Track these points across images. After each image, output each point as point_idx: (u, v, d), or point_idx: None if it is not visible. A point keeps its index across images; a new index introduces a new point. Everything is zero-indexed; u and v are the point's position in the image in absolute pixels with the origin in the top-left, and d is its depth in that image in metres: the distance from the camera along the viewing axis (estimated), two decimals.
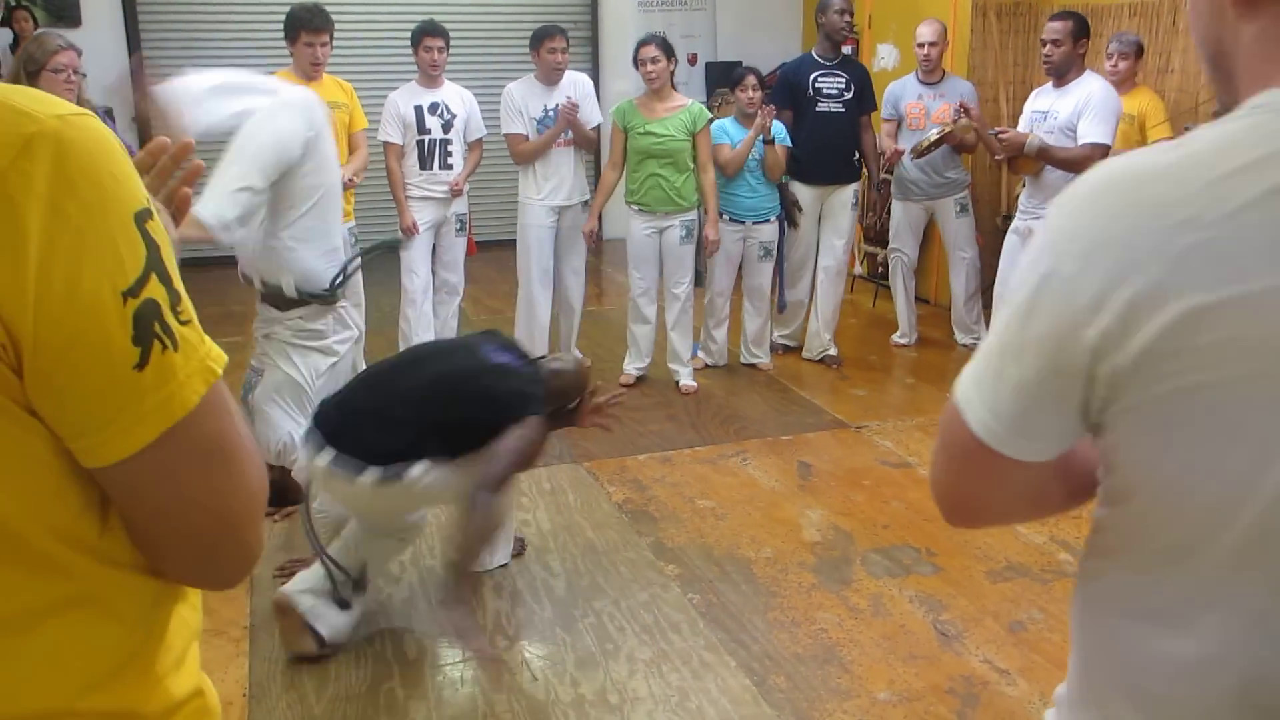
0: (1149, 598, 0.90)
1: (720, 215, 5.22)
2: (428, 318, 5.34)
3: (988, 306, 6.01)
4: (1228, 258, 0.77)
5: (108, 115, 4.52)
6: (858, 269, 7.25)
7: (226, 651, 2.96)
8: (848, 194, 5.57)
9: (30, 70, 3.97)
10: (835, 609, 3.16)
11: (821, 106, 5.38)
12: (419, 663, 2.92)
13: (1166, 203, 0.80)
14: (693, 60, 9.41)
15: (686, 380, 5.24)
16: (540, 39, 5.07)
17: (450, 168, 5.19)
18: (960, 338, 5.98)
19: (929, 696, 2.73)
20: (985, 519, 1.11)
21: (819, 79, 5.44)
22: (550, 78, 5.12)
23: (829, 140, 5.41)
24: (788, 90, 5.37)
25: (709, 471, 4.22)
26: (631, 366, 5.37)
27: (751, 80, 5.12)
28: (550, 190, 5.20)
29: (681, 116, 4.98)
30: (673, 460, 4.34)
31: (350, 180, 4.64)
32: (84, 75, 4.10)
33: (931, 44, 5.43)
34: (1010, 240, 4.84)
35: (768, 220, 5.34)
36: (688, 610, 3.15)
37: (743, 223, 5.27)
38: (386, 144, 5.11)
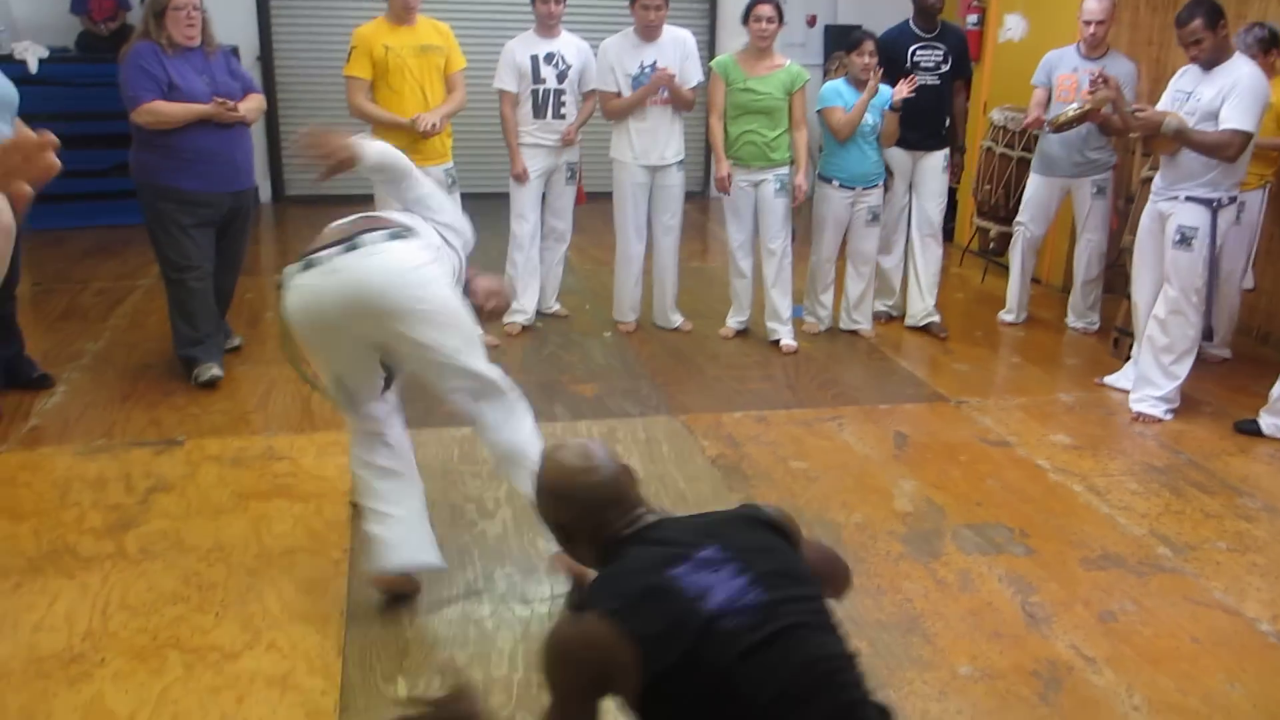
0: None
1: (830, 180, 5.21)
2: (534, 263, 5.41)
3: (1107, 291, 5.85)
4: None
5: (233, 53, 4.65)
6: (964, 237, 7.11)
7: (327, 572, 3.09)
8: (939, 158, 5.55)
9: (156, 11, 4.17)
10: (922, 580, 3.15)
11: (919, 78, 5.28)
12: (508, 597, 3.00)
13: None
14: (811, 22, 9.28)
15: (787, 340, 5.24)
16: None
17: (563, 117, 5.22)
18: (1073, 321, 5.84)
19: (1011, 676, 2.71)
20: None
21: (917, 51, 5.39)
22: (647, 34, 5.10)
23: (924, 108, 5.34)
24: (885, 62, 5.27)
25: (804, 434, 4.22)
26: (733, 320, 5.44)
27: (869, 46, 5.05)
28: (643, 149, 5.20)
29: (780, 75, 4.99)
30: (768, 420, 4.35)
31: (433, 126, 4.70)
32: (205, 13, 4.28)
33: (1099, 22, 5.24)
34: (1144, 224, 4.67)
35: (876, 186, 5.31)
36: None
37: (853, 188, 5.24)
38: (502, 92, 5.17)
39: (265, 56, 8.42)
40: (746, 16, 5.01)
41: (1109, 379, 4.89)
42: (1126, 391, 4.73)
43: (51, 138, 1.01)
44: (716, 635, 1.61)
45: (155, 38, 4.19)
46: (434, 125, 4.70)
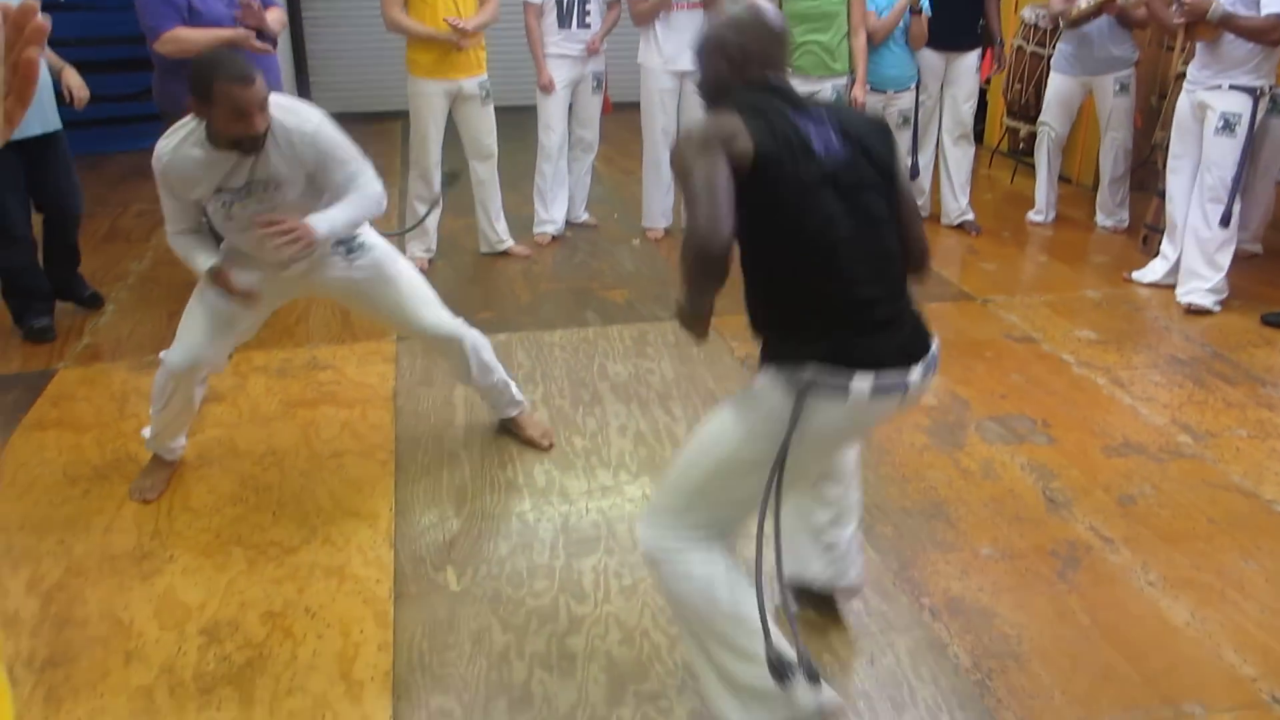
0: None
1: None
2: (562, 174, 5.47)
3: (1135, 189, 5.84)
4: None
5: None
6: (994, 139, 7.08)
7: (374, 472, 3.24)
8: (972, 58, 5.55)
9: None
10: (945, 469, 3.26)
11: None
12: (548, 491, 3.14)
13: None
14: None
15: None
16: None
17: (588, 26, 5.22)
18: (1101, 220, 5.84)
19: (1031, 556, 2.83)
20: None
21: None
22: None
23: (957, 8, 5.31)
24: None
25: None
26: None
27: None
28: (671, 54, 5.17)
29: None
30: None
31: (467, 31, 4.66)
32: None
33: None
34: (1181, 112, 4.64)
35: (907, 89, 5.32)
36: None
37: (884, 92, 5.27)
38: (527, 3, 5.17)
39: None
40: None
41: (1136, 274, 4.93)
42: (1154, 286, 4.77)
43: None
44: (812, 162, 1.92)
45: None
46: (465, 27, 4.65)
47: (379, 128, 8.41)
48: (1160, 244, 4.95)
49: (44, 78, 3.83)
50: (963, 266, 5.22)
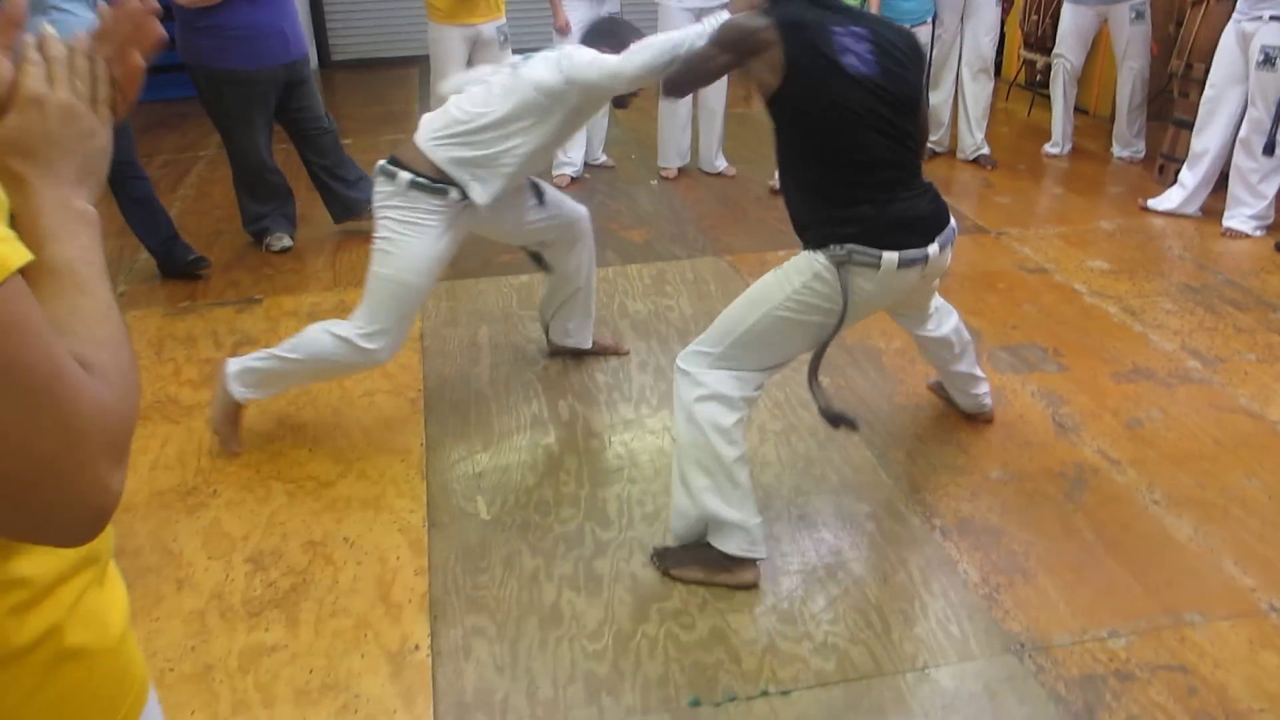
0: None
1: None
2: None
3: (1152, 119, 5.84)
4: None
5: None
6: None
7: (404, 410, 3.36)
8: None
9: None
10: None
11: None
12: (572, 424, 3.26)
13: None
14: None
15: None
16: None
17: None
18: (1117, 151, 5.86)
19: (1039, 477, 2.93)
20: None
21: None
22: None
23: None
24: None
25: None
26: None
27: None
28: None
29: None
30: None
31: None
32: None
33: None
34: (1226, 42, 4.63)
35: (924, 23, 5.30)
36: None
37: (905, 25, 5.23)
38: None
39: None
40: None
41: (1152, 202, 4.96)
42: (1169, 215, 4.81)
43: (153, 2, 0.96)
44: (842, 75, 2.25)
45: None
46: None
47: (398, 73, 8.46)
48: (1177, 173, 4.98)
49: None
50: (978, 200, 5.26)
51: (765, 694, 2.19)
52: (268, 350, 3.04)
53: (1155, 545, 2.64)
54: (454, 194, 2.88)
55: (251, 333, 3.91)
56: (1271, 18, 4.34)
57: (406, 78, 8.30)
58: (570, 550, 2.66)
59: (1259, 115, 4.45)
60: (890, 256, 2.32)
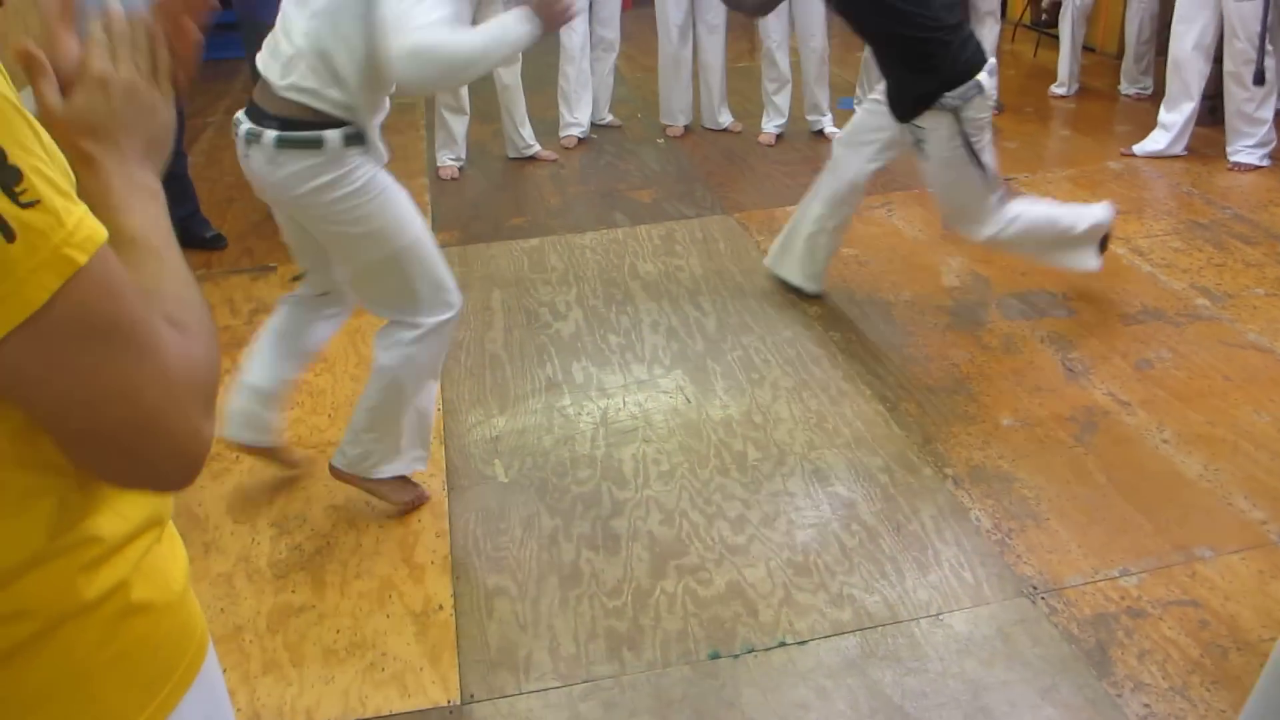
0: None
1: None
2: (586, 75, 5.51)
3: (1160, 54, 5.78)
4: None
5: None
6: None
7: None
8: None
9: None
10: (967, 346, 3.37)
11: None
12: (586, 386, 3.30)
13: None
14: None
15: (830, 128, 5.36)
16: None
17: None
18: (1125, 88, 5.82)
19: (1050, 423, 2.96)
20: None
21: None
22: None
23: None
24: None
25: (854, 222, 4.35)
26: (771, 125, 5.48)
27: None
28: None
29: None
30: None
31: None
32: None
33: None
34: None
35: None
36: (828, 346, 3.42)
37: None
38: None
39: None
40: None
41: (1136, 148, 4.92)
42: (1161, 156, 4.80)
43: None
44: None
45: None
46: None
47: None
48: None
49: None
50: None
51: (783, 644, 2.24)
52: (356, 426, 2.57)
53: (1166, 484, 2.68)
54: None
55: (267, 300, 3.95)
56: None
57: None
58: (588, 510, 2.71)
59: (1242, 45, 4.41)
60: (986, 80, 3.15)
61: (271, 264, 4.27)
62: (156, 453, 0.77)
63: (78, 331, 0.70)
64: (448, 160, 5.19)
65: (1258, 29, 4.36)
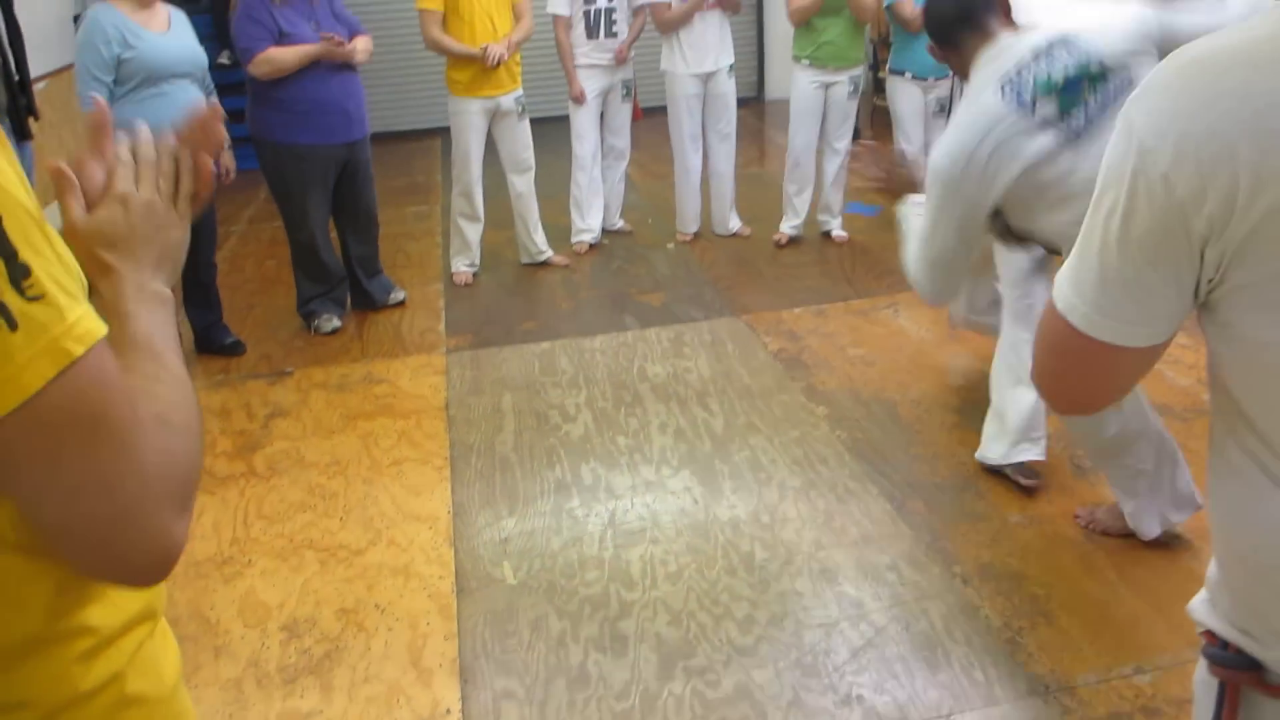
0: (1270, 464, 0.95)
1: (902, 73, 5.23)
2: (597, 182, 5.65)
3: None
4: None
5: None
6: None
7: (431, 478, 3.43)
8: None
9: None
10: (975, 444, 3.37)
11: None
12: (595, 488, 3.32)
13: (1251, 89, 0.82)
14: None
15: (838, 230, 5.47)
16: None
17: (615, 36, 5.38)
18: None
19: (1058, 520, 2.95)
20: (1099, 405, 1.12)
21: None
22: None
23: None
24: None
25: (861, 323, 4.45)
26: (788, 226, 5.59)
27: None
28: (695, 58, 5.34)
29: None
30: (826, 312, 4.59)
31: (500, 56, 4.79)
32: None
33: None
34: None
35: (946, 76, 5.31)
36: (835, 445, 3.45)
37: (924, 79, 5.21)
38: (555, 16, 5.34)
39: None
40: None
41: None
42: None
43: (219, 109, 1.07)
44: None
45: None
46: (501, 55, 4.81)
47: (420, 144, 8.66)
48: None
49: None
50: None
51: None
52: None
53: (1178, 580, 2.66)
54: None
55: (284, 404, 4.01)
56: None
57: (429, 149, 8.50)
58: (596, 612, 2.71)
59: None
60: None
61: (288, 368, 4.34)
62: (127, 547, 0.79)
63: (67, 420, 0.72)
64: (462, 267, 5.30)
65: None
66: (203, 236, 4.32)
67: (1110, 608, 2.59)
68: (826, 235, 5.55)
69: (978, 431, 3.45)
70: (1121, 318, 0.94)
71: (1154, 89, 0.88)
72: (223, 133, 1.06)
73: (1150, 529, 2.77)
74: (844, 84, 5.20)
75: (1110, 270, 0.93)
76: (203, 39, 4.18)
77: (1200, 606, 1.11)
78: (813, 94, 5.26)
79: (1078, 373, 1.03)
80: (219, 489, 3.41)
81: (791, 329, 4.44)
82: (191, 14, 4.24)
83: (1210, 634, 1.09)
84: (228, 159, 4.35)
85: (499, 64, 4.83)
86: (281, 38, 4.24)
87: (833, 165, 5.41)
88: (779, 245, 5.52)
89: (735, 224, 5.76)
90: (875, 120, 7.92)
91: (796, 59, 5.26)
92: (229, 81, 6.57)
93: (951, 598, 2.67)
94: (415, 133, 8.94)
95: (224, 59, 7.42)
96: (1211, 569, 1.10)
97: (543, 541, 3.05)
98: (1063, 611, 2.58)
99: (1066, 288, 0.98)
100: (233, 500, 3.32)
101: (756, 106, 9.26)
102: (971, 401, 3.67)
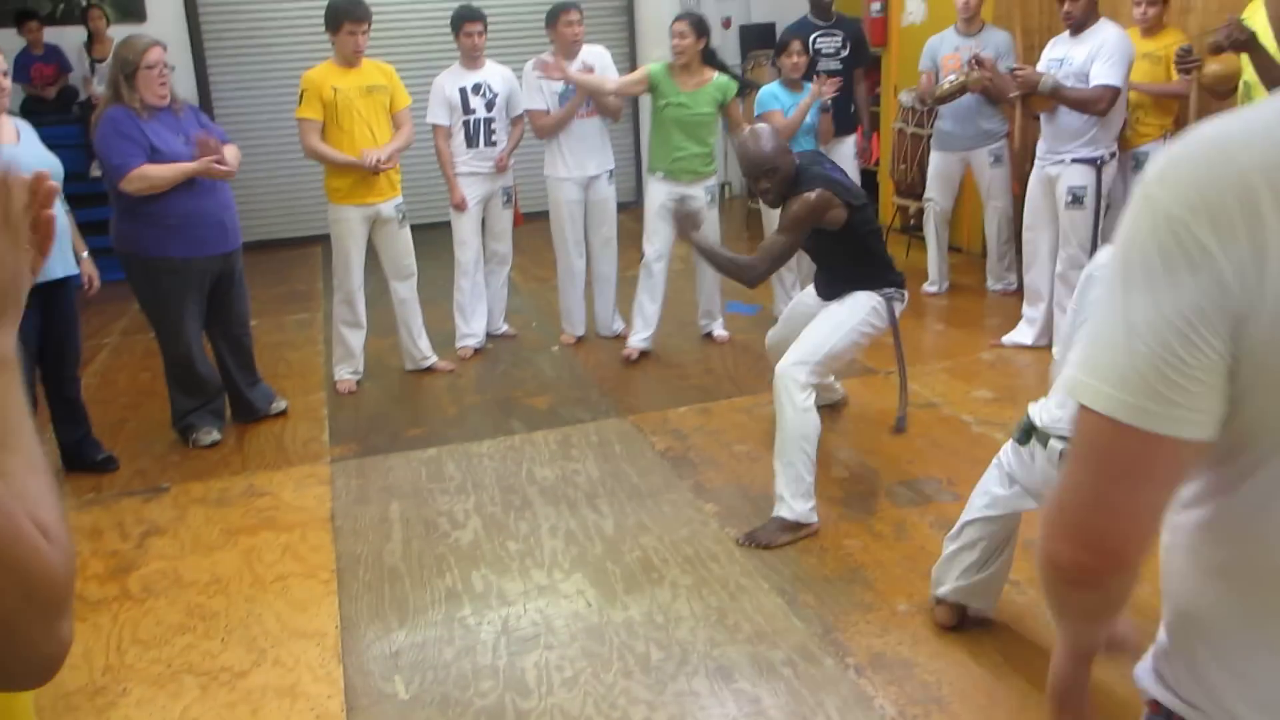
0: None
1: None
2: (480, 287, 5.68)
3: (1019, 253, 6.22)
4: None
5: (194, 111, 4.55)
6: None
7: (317, 591, 3.35)
8: (849, 144, 5.92)
9: (127, 74, 4.12)
10: (860, 535, 3.47)
11: (822, 65, 5.63)
12: (486, 595, 3.28)
13: (1269, 164, 0.83)
14: (727, 24, 9.60)
15: (719, 331, 5.58)
16: (556, 14, 5.34)
17: (495, 144, 5.48)
18: (992, 284, 6.21)
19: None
20: (1129, 537, 0.96)
21: (818, 39, 5.75)
22: (568, 51, 5.38)
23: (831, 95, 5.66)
24: (776, 52, 5.62)
25: (745, 419, 4.54)
26: (637, 339, 5.47)
27: (796, 46, 5.33)
28: (576, 163, 5.48)
29: (709, 90, 5.21)
30: (711, 410, 4.66)
31: (382, 161, 4.82)
32: (173, 69, 4.29)
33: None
34: (1032, 188, 5.05)
35: None
36: (725, 542, 3.48)
37: None
38: (435, 126, 5.42)
39: (204, 106, 8.60)
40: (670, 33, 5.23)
41: (1005, 338, 5.26)
42: (1026, 347, 5.12)
43: (46, 171, 0.95)
44: (863, 197, 3.75)
45: (127, 101, 4.13)
46: (380, 159, 4.84)
47: (300, 252, 8.58)
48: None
49: (61, 221, 3.85)
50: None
51: None
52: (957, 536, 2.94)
53: None
54: None
55: (160, 521, 3.87)
56: (1073, 160, 4.75)
57: (309, 256, 8.42)
58: None
59: (1073, 252, 4.80)
60: (903, 293, 3.80)
61: (164, 484, 4.20)
62: (10, 655, 0.77)
63: None
64: (345, 374, 5.23)
65: (1087, 238, 4.76)
66: (66, 349, 4.20)
67: (999, 690, 2.65)
68: (708, 336, 5.65)
69: (862, 523, 3.54)
70: (1154, 396, 0.87)
71: (1175, 165, 0.88)
72: (53, 187, 0.95)
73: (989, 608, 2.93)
74: (700, 194, 5.34)
75: (1137, 348, 0.88)
76: (73, 149, 4.12)
77: (1146, 675, 1.09)
78: (665, 206, 5.29)
79: (1103, 473, 0.93)
80: (90, 614, 3.25)
81: (678, 428, 4.50)
82: (60, 124, 4.19)
83: (1155, 703, 1.08)
84: (89, 267, 4.26)
85: (379, 169, 4.87)
86: (153, 153, 4.15)
87: (709, 269, 5.53)
88: (629, 361, 5.40)
89: (619, 325, 5.83)
90: (752, 223, 8.17)
91: (652, 171, 5.38)
92: (90, 191, 6.43)
93: (846, 689, 2.70)
94: (295, 240, 8.86)
95: (96, 170, 7.29)
96: (1161, 636, 1.08)
97: (435, 653, 2.99)
98: (954, 697, 2.64)
99: (1087, 377, 0.91)
100: (105, 626, 3.17)
101: (636, 211, 9.42)
102: (855, 494, 3.76)
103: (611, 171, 5.61)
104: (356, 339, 5.22)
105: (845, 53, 5.90)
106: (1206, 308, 0.84)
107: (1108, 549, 0.95)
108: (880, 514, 3.61)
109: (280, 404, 4.90)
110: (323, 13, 4.86)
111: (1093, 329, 0.91)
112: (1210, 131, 0.87)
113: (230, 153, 4.39)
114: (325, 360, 5.62)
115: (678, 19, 5.23)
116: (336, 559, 3.53)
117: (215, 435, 4.60)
